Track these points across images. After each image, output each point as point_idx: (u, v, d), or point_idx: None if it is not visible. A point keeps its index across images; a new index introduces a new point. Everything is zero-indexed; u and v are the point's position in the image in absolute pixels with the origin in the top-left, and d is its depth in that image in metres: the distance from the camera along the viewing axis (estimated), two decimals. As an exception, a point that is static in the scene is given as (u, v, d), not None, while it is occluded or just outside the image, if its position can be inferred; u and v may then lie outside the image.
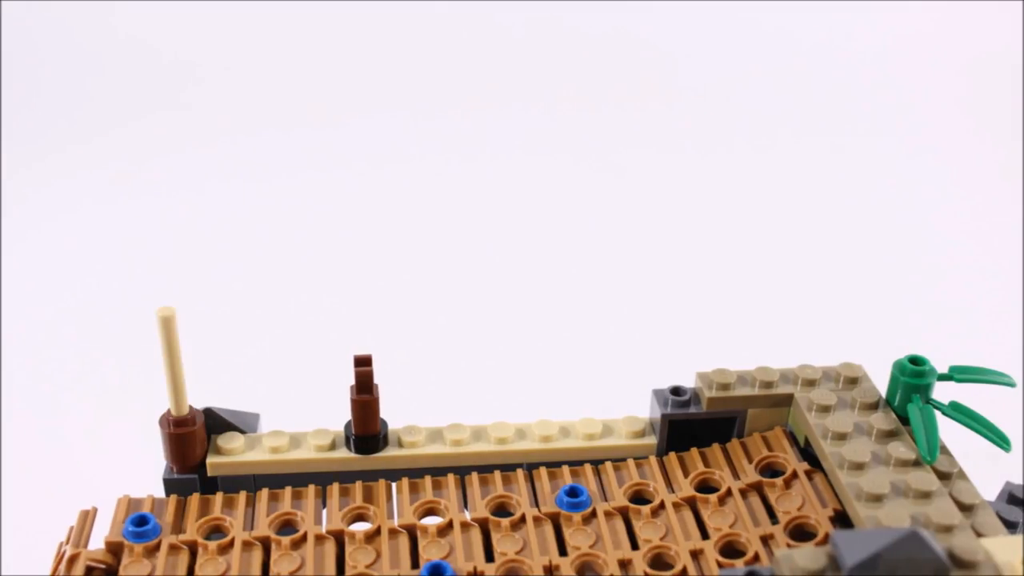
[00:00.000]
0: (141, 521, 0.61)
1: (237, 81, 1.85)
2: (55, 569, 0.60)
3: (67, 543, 0.62)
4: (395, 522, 0.62)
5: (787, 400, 0.68)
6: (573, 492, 0.63)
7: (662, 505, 0.63)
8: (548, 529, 0.62)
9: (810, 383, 0.68)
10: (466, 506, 0.65)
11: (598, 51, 1.94)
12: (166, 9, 1.92)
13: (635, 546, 0.60)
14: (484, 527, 0.62)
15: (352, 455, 0.67)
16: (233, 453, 0.67)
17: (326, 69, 1.88)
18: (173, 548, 0.60)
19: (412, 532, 0.62)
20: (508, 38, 1.94)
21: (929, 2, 1.95)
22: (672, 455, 0.68)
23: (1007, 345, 1.15)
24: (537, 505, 0.64)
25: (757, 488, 0.64)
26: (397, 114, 1.78)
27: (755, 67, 1.91)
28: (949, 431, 0.64)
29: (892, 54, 1.92)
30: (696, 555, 0.59)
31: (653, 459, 0.68)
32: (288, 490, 0.65)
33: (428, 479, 0.66)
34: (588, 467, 0.67)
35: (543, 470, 0.67)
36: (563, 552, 0.60)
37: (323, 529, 0.62)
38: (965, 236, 1.43)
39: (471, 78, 1.88)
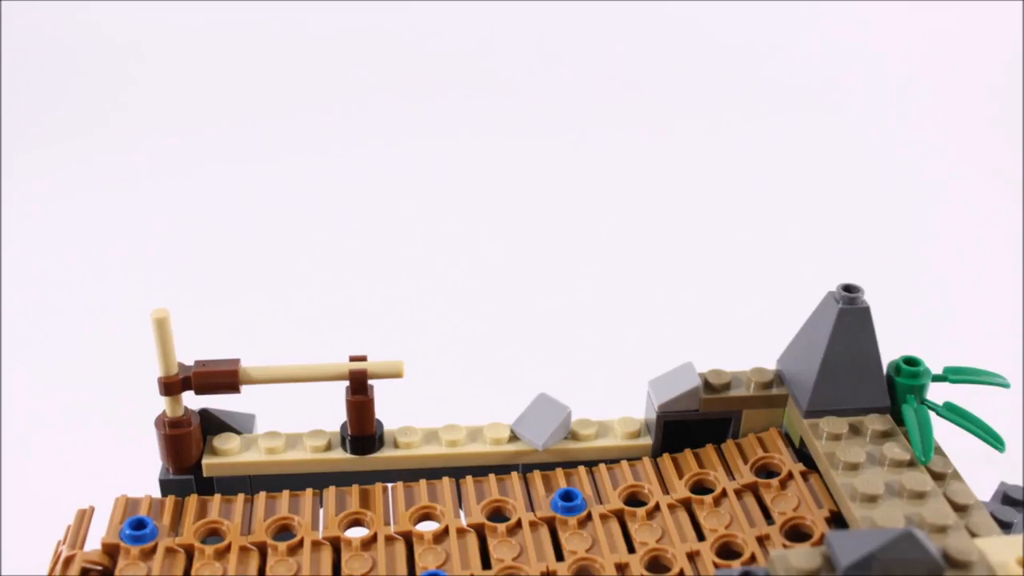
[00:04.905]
0: (139, 525, 0.61)
1: (235, 80, 1.85)
2: (51, 569, 0.60)
3: (64, 543, 0.62)
4: (391, 528, 0.62)
5: (782, 401, 0.69)
6: (568, 496, 0.63)
7: (657, 507, 0.63)
8: (544, 534, 0.62)
9: (805, 384, 0.68)
10: (461, 510, 0.65)
11: (592, 45, 1.94)
12: (161, 8, 1.92)
13: (631, 549, 0.60)
14: (480, 533, 0.62)
15: (348, 456, 0.67)
16: (229, 454, 0.67)
17: (324, 68, 1.88)
18: (169, 551, 0.60)
19: (408, 539, 0.62)
20: (500, 34, 1.94)
21: (928, 1, 1.95)
22: (666, 456, 0.68)
23: (1002, 346, 1.16)
24: (532, 509, 0.64)
25: (752, 489, 0.64)
26: (392, 114, 1.78)
27: (751, 64, 1.91)
28: (943, 432, 0.65)
29: (892, 53, 1.93)
30: (692, 557, 0.59)
31: (647, 460, 0.68)
32: (285, 493, 0.65)
33: (423, 483, 0.66)
34: (582, 469, 0.67)
35: (537, 473, 0.67)
36: (560, 557, 0.60)
37: (320, 534, 0.62)
38: (961, 236, 1.43)
39: (467, 76, 1.88)
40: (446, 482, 0.66)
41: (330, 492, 0.65)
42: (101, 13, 1.91)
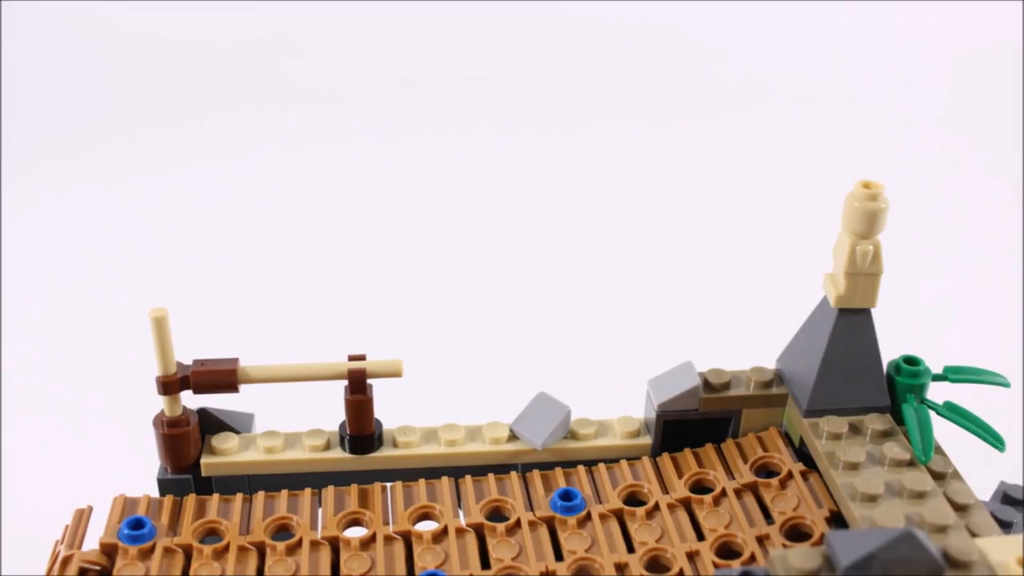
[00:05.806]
0: (137, 524, 0.61)
1: (234, 77, 1.85)
2: (49, 569, 0.60)
3: (62, 543, 0.61)
4: (390, 528, 0.62)
5: (782, 400, 0.68)
6: (567, 495, 0.63)
7: (656, 506, 0.63)
8: (543, 533, 0.61)
9: (805, 383, 0.68)
10: (460, 510, 0.65)
11: (594, 44, 1.94)
12: (164, 15, 1.92)
13: (631, 549, 0.60)
14: (479, 533, 0.62)
15: (346, 455, 0.67)
16: (227, 453, 0.67)
17: (324, 65, 1.88)
18: (168, 551, 0.60)
19: (407, 538, 0.62)
20: (500, 31, 1.94)
21: (926, 1, 1.95)
22: (665, 455, 0.68)
23: (1002, 346, 1.16)
24: (532, 509, 0.64)
25: (752, 488, 0.64)
26: (392, 113, 1.77)
27: (750, 63, 1.91)
28: (944, 431, 0.64)
29: (892, 52, 1.93)
30: (692, 556, 0.59)
31: (646, 460, 0.68)
32: (284, 493, 0.65)
33: (422, 483, 0.66)
34: (581, 468, 0.67)
35: (536, 472, 0.67)
36: (559, 557, 0.60)
37: (318, 534, 0.62)
38: (961, 235, 1.43)
39: (466, 75, 1.87)
40: (445, 482, 0.66)
41: (329, 492, 0.65)
42: (102, 13, 1.91)
